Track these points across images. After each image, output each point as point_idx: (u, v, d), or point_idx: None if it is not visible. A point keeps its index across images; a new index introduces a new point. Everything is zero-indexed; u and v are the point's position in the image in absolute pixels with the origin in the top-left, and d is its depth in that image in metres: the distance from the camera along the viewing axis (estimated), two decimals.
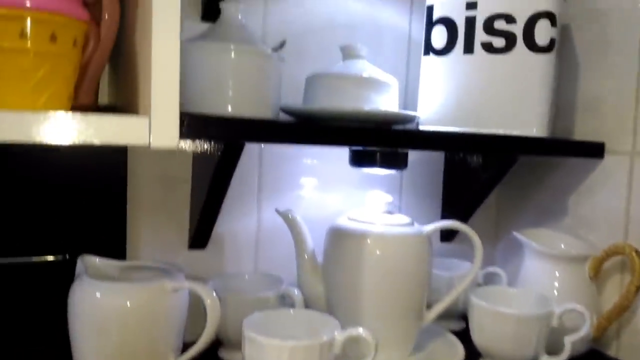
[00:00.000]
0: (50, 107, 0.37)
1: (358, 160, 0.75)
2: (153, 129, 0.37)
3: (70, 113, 0.35)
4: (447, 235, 0.95)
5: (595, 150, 0.80)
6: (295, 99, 0.74)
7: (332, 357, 0.56)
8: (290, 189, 0.84)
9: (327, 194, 0.85)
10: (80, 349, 0.57)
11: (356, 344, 0.60)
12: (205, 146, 0.66)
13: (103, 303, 0.55)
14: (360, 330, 0.58)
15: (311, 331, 0.58)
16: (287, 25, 0.81)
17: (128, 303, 0.56)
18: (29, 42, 0.35)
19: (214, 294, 0.59)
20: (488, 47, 0.71)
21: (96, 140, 0.36)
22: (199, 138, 0.56)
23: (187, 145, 0.73)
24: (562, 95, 0.86)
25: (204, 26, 0.70)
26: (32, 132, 0.34)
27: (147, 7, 0.38)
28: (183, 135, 0.53)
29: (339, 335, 0.57)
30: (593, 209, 0.83)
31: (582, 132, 0.84)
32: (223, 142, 0.60)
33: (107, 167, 0.68)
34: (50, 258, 0.65)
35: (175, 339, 0.60)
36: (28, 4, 0.35)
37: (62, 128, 0.35)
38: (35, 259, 0.64)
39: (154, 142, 0.37)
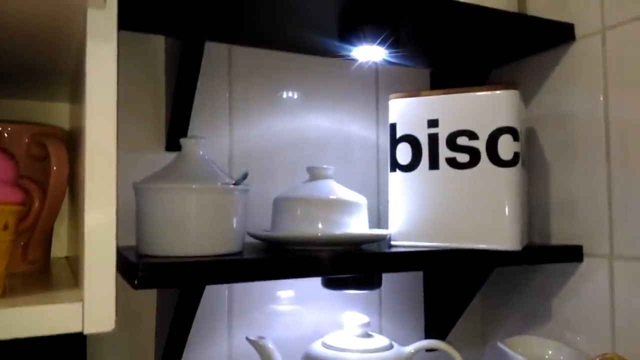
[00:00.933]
0: None
1: (331, 283, 0.73)
2: (86, 314, 0.35)
3: None
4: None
5: (573, 255, 0.79)
6: (264, 217, 0.73)
7: None
8: (263, 309, 0.81)
9: (301, 314, 0.83)
10: None
11: None
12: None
13: None
14: None
15: None
16: (254, 143, 0.81)
17: None
18: None
19: None
20: (452, 163, 0.71)
21: (25, 333, 0.34)
22: (155, 286, 0.54)
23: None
24: (535, 198, 0.85)
25: (169, 156, 0.71)
26: None
27: (83, 177, 0.37)
28: (138, 285, 0.52)
29: None
30: (577, 312, 0.81)
31: (559, 233, 0.83)
32: (181, 287, 0.58)
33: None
34: None
35: None
36: None
37: None
38: None
39: (87, 329, 0.35)
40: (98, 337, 0.69)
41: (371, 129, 0.90)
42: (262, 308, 0.81)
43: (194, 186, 0.59)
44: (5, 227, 0.37)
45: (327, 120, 0.87)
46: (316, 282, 0.76)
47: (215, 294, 0.77)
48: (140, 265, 0.52)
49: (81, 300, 0.35)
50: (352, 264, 0.63)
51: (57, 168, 0.50)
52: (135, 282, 0.51)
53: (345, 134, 0.88)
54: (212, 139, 0.77)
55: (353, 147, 0.89)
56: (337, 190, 0.71)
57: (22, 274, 0.50)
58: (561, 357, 0.78)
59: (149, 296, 0.73)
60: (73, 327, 0.35)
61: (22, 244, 0.50)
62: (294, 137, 0.84)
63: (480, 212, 0.70)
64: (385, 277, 0.77)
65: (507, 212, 0.69)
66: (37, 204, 0.47)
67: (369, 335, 0.72)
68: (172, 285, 0.56)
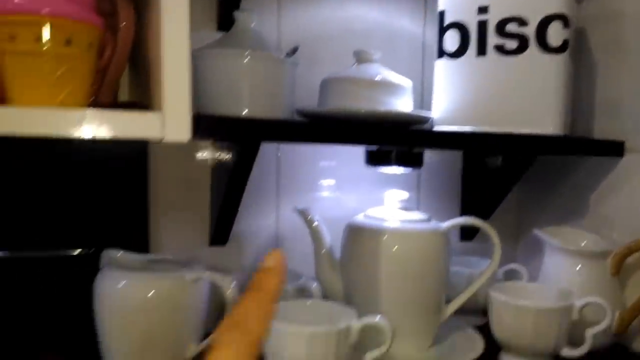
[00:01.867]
0: (68, 104, 0.41)
1: (373, 160, 0.76)
2: (166, 124, 0.40)
3: (88, 109, 0.38)
4: (467, 234, 0.95)
5: (614, 149, 0.80)
6: (310, 103, 0.76)
7: (349, 345, 0.58)
8: (308, 189, 0.86)
9: (344, 193, 0.87)
10: (106, 336, 0.60)
11: (374, 334, 0.61)
12: (221, 149, 0.69)
13: (125, 293, 0.59)
14: (377, 318, 0.59)
15: (328, 320, 0.60)
16: (301, 32, 0.84)
17: (149, 293, 0.58)
18: (46, 45, 0.39)
19: (233, 283, 0.61)
20: (500, 50, 0.72)
21: (112, 134, 0.39)
22: (214, 138, 0.59)
23: (203, 153, 0.77)
24: (581, 97, 0.86)
25: (220, 35, 0.74)
26: (52, 127, 0.38)
27: (158, 12, 0.41)
28: (198, 136, 0.56)
29: (356, 324, 0.58)
30: (614, 207, 0.83)
31: (602, 132, 0.84)
32: (237, 142, 0.63)
33: (129, 168, 0.72)
34: (77, 252, 0.69)
35: (196, 328, 0.62)
36: (44, 11, 0.38)
37: (81, 123, 0.38)
38: (62, 252, 0.68)
39: (167, 137, 0.40)
40: (160, 197, 0.76)
41: (418, 22, 0.90)
42: (308, 187, 0.86)
43: (247, 53, 0.63)
44: (91, 46, 0.42)
45: (375, 11, 0.88)
46: (360, 163, 0.79)
47: (264, 171, 0.82)
48: (201, 118, 0.56)
49: (161, 110, 0.40)
50: (396, 137, 0.66)
51: (126, 23, 0.54)
52: (196, 133, 0.56)
53: (391, 26, 0.89)
54: (261, 24, 0.80)
55: (399, 39, 0.90)
56: (383, 72, 0.73)
57: None
58: (594, 246, 0.80)
59: (205, 165, 0.78)
60: (155, 134, 0.40)
61: (95, 88, 0.55)
62: (340, 27, 0.86)
63: (525, 98, 0.71)
64: (426, 161, 0.80)
65: (551, 97, 0.70)
66: (109, 48, 0.52)
67: (408, 210, 0.76)
68: (229, 139, 0.60)
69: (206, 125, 0.56)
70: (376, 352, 0.59)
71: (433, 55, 0.79)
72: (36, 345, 0.70)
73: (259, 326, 0.25)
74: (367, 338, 0.61)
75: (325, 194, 0.87)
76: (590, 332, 0.69)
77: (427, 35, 0.91)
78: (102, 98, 0.54)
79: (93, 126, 0.38)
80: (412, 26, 0.90)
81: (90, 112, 0.38)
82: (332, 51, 0.85)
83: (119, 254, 0.65)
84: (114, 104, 0.58)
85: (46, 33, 0.39)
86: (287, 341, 0.56)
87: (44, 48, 0.39)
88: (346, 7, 0.86)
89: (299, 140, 0.63)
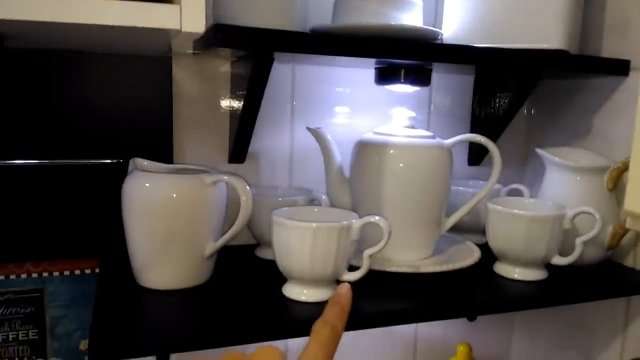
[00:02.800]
0: None
1: (382, 77, 0.80)
2: (183, 16, 0.44)
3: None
4: (475, 159, 0.99)
5: (619, 68, 0.82)
6: (325, 22, 0.79)
7: (351, 240, 0.63)
8: (321, 112, 0.90)
9: (357, 115, 0.91)
10: (132, 235, 0.66)
11: (376, 235, 0.66)
12: (239, 67, 0.72)
13: (150, 193, 0.64)
14: (376, 217, 0.64)
15: (333, 221, 0.65)
16: None
17: (172, 193, 0.64)
18: None
19: (247, 186, 0.67)
20: None
21: (134, 23, 0.43)
22: (231, 46, 0.62)
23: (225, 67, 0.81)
24: (589, 15, 0.87)
25: None
26: (79, 14, 0.42)
27: None
28: (217, 43, 0.60)
29: (357, 221, 0.63)
30: (619, 128, 0.85)
31: (611, 53, 0.85)
32: (253, 52, 0.66)
33: (154, 88, 0.78)
34: (107, 161, 0.75)
35: (215, 228, 0.68)
36: None
37: (105, 11, 0.42)
38: (94, 161, 0.74)
39: (184, 28, 0.44)
40: (183, 116, 0.81)
41: None
42: (322, 109, 0.90)
43: None
44: None
45: None
46: (369, 85, 0.83)
47: (279, 92, 0.86)
48: (218, 27, 0.60)
49: (179, 4, 0.44)
50: (406, 50, 0.69)
51: None
52: (215, 40, 0.60)
53: None
54: None
55: None
56: None
57: None
58: (591, 162, 0.82)
59: (224, 86, 0.83)
60: (173, 24, 0.44)
61: None
62: None
63: (532, 12, 0.73)
64: (436, 80, 0.83)
65: (556, 11, 0.72)
66: None
67: (414, 128, 0.79)
68: (244, 47, 0.64)
69: (223, 33, 0.60)
70: (375, 248, 0.64)
71: None
72: (70, 247, 0.77)
73: (341, 327, 0.35)
74: (369, 239, 0.66)
75: (338, 117, 0.91)
76: (580, 240, 0.73)
77: None
78: None
79: (117, 15, 0.43)
80: None
81: (114, 2, 0.43)
82: None
83: (146, 162, 0.70)
84: None
85: None
86: (294, 236, 0.61)
87: None
88: None
89: (309, 51, 0.66)
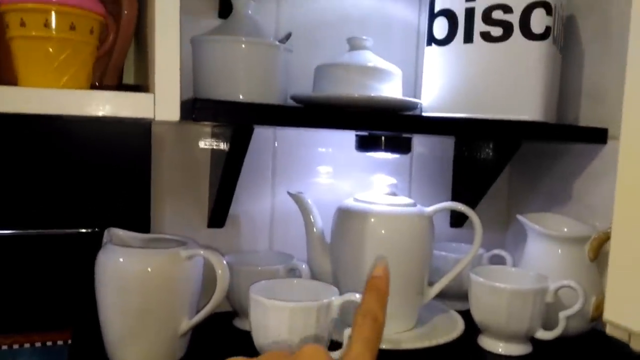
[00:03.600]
0: (71, 86, 0.44)
1: (363, 145, 0.80)
2: (157, 105, 0.43)
3: (88, 90, 0.42)
4: (457, 221, 0.98)
5: (598, 136, 0.82)
6: (307, 88, 0.79)
7: (330, 319, 0.61)
8: (303, 174, 0.89)
9: (338, 179, 0.91)
10: (105, 309, 0.64)
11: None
12: (218, 134, 0.72)
13: (125, 267, 0.62)
14: (357, 295, 0.62)
15: (313, 297, 0.63)
16: (299, 19, 0.86)
17: (147, 268, 0.62)
18: (52, 30, 0.42)
19: (224, 262, 0.65)
20: (486, 37, 0.75)
21: (108, 114, 0.42)
22: (210, 120, 0.62)
23: (203, 139, 0.80)
24: (568, 84, 0.88)
25: (220, 23, 0.77)
26: (56, 106, 0.41)
27: (152, 3, 0.44)
28: (195, 118, 0.60)
29: (336, 300, 0.62)
30: (597, 194, 0.85)
31: (588, 120, 0.86)
32: (232, 126, 0.66)
33: (133, 152, 0.77)
34: (82, 230, 0.73)
35: (191, 303, 0.66)
36: None
37: (80, 103, 0.42)
38: (68, 231, 0.72)
39: (158, 117, 0.43)
40: (160, 181, 0.79)
41: (414, 9, 0.93)
42: (303, 172, 0.89)
43: (243, 39, 0.66)
44: (92, 32, 0.45)
45: None
46: (351, 149, 0.83)
47: (261, 156, 0.86)
48: (197, 102, 0.60)
49: (153, 93, 0.43)
50: (386, 122, 0.69)
51: (128, 11, 0.58)
52: (194, 116, 0.59)
53: (387, 13, 0.91)
54: (259, 12, 0.83)
55: (394, 26, 0.92)
56: (374, 59, 0.76)
57: None
58: (572, 231, 0.82)
59: (205, 155, 0.82)
60: (146, 113, 0.43)
61: (99, 74, 0.59)
62: (336, 14, 0.89)
63: (510, 85, 0.74)
64: (416, 147, 0.83)
65: (534, 84, 0.73)
66: (112, 34, 0.55)
67: (395, 195, 0.79)
68: (225, 121, 0.63)
69: (202, 108, 0.60)
70: None
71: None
72: (41, 315, 0.75)
73: (383, 316, 0.33)
74: (350, 315, 0.64)
75: (319, 179, 0.90)
76: (563, 314, 0.72)
77: (422, 22, 0.93)
78: (107, 81, 0.58)
79: (91, 106, 0.42)
80: (407, 13, 0.93)
81: (88, 93, 0.42)
82: (329, 38, 0.88)
83: (121, 232, 0.68)
84: (119, 87, 0.62)
85: (53, 19, 0.42)
86: (271, 315, 0.60)
87: (51, 33, 0.43)
88: None
89: (289, 124, 0.66)
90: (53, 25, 0.42)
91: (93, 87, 0.56)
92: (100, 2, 0.46)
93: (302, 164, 0.89)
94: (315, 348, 0.32)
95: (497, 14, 0.74)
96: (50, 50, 0.43)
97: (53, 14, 0.42)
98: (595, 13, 0.85)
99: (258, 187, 0.87)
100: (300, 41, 0.84)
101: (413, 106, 0.76)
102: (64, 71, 0.43)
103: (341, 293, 0.65)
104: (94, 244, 0.68)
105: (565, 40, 0.83)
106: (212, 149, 0.82)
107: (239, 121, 0.64)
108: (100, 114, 0.42)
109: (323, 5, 0.88)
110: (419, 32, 0.94)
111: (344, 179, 0.91)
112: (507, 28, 0.74)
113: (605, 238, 0.78)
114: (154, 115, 0.43)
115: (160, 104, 0.43)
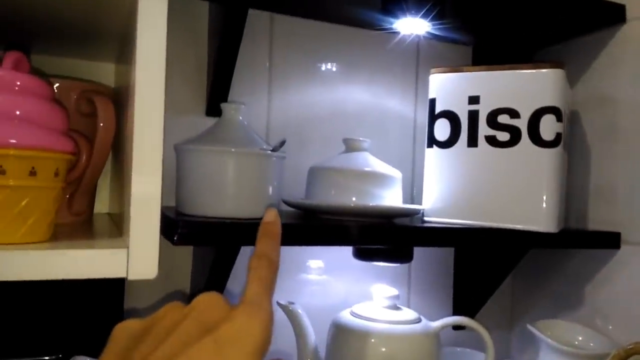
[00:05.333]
0: (31, 237, 0.37)
1: (362, 254, 0.73)
2: (131, 260, 0.37)
3: (46, 250, 0.35)
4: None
5: (610, 241, 0.77)
6: (298, 186, 0.74)
7: None
8: (294, 277, 0.82)
9: (331, 283, 0.84)
10: None
11: None
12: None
13: None
14: None
15: None
16: (292, 114, 0.82)
17: None
18: (8, 178, 0.36)
19: None
20: (492, 141, 0.70)
21: (72, 274, 0.36)
22: (193, 244, 0.55)
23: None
24: (574, 182, 0.84)
25: (209, 121, 0.72)
26: (8, 270, 0.34)
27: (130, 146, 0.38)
28: (177, 241, 0.53)
29: None
30: (611, 300, 0.79)
31: (596, 219, 0.82)
32: (217, 246, 0.59)
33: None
34: (45, 358, 0.64)
35: None
36: (10, 142, 0.36)
37: (37, 264, 0.35)
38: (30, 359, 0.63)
39: (131, 275, 0.37)
40: (135, 290, 0.72)
41: (409, 104, 0.89)
42: (293, 276, 0.82)
43: (232, 150, 0.60)
44: (56, 174, 0.39)
45: (365, 93, 0.87)
46: (347, 252, 0.76)
47: (247, 257, 0.79)
48: (179, 223, 0.53)
49: (126, 247, 0.36)
50: (384, 236, 0.63)
51: (104, 124, 0.52)
52: (175, 239, 0.53)
53: (383, 109, 0.88)
54: (251, 106, 0.78)
55: (390, 122, 0.88)
56: (373, 162, 0.71)
57: (67, 225, 0.52)
58: (591, 344, 0.77)
59: (186, 253, 0.75)
60: (118, 272, 0.36)
61: (68, 195, 0.52)
62: (331, 109, 0.85)
63: (518, 193, 0.69)
64: (416, 252, 0.77)
65: (545, 194, 0.68)
66: (84, 157, 0.49)
67: (397, 308, 0.72)
68: (209, 244, 0.57)
69: (184, 230, 0.53)
70: None
71: (424, 137, 0.77)
72: None
73: (277, 257, 0.35)
74: None
75: (311, 283, 0.83)
76: None
77: (418, 117, 0.90)
78: (76, 206, 0.51)
79: (53, 268, 0.35)
80: (403, 109, 0.89)
81: (48, 253, 0.35)
82: (323, 133, 0.83)
83: None
84: (88, 216, 0.55)
85: (10, 165, 0.36)
86: None
87: (7, 181, 0.36)
88: (337, 89, 0.85)
89: (282, 244, 0.59)
90: (9, 171, 0.36)
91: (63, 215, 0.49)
92: (67, 135, 0.40)
93: (293, 266, 0.83)
94: (210, 295, 0.31)
95: (503, 119, 0.70)
96: (6, 199, 0.36)
97: (11, 158, 0.36)
98: (601, 110, 0.81)
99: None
100: (292, 138, 0.80)
101: (414, 213, 0.71)
102: (23, 221, 0.37)
103: None
104: None
105: (568, 139, 0.79)
106: (194, 257, 0.74)
107: (224, 242, 0.57)
108: (61, 276, 0.35)
109: (316, 100, 0.84)
110: (416, 127, 0.89)
111: (338, 283, 0.84)
112: (515, 133, 0.69)
113: (625, 355, 0.71)
114: (127, 274, 0.37)
115: (135, 259, 0.37)
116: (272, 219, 0.36)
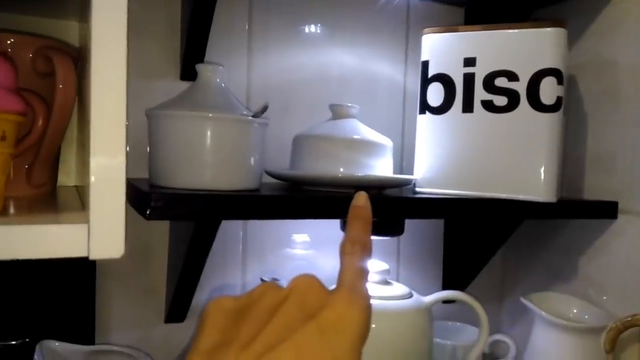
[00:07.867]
0: None
1: None
2: (93, 238, 0.32)
3: None
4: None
5: (607, 211, 0.74)
6: (282, 156, 0.69)
7: None
8: (278, 250, 0.78)
9: (317, 258, 0.79)
10: None
11: None
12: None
13: None
14: None
15: None
16: (274, 79, 0.76)
17: None
18: None
19: None
20: (489, 106, 0.66)
21: (26, 254, 0.31)
22: (168, 218, 0.51)
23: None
24: (570, 150, 0.80)
25: (184, 85, 0.66)
26: None
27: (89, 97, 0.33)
28: (150, 216, 0.48)
29: None
30: (605, 270, 0.77)
31: (592, 188, 0.78)
32: (196, 221, 0.55)
33: None
34: (12, 343, 0.59)
35: None
36: None
37: None
38: None
39: (93, 254, 0.32)
40: (107, 268, 0.67)
41: (399, 68, 0.84)
42: (277, 250, 0.78)
43: (210, 115, 0.54)
44: (3, 138, 0.33)
45: (352, 56, 0.81)
46: (334, 225, 0.72)
47: (230, 233, 0.74)
48: (152, 195, 0.48)
49: (87, 222, 0.31)
50: (374, 208, 0.59)
51: (64, 85, 0.46)
52: (147, 213, 0.48)
53: (371, 73, 0.82)
54: (229, 70, 0.72)
55: (378, 86, 0.83)
56: (361, 129, 0.67)
57: (26, 198, 0.47)
58: (586, 316, 0.75)
59: (162, 228, 0.70)
60: (77, 251, 0.31)
61: (26, 166, 0.46)
62: (315, 74, 0.79)
63: (516, 161, 0.65)
64: (406, 224, 0.73)
65: (544, 162, 0.64)
66: (40, 121, 0.43)
67: (387, 283, 0.69)
68: (186, 219, 0.53)
69: (158, 203, 0.48)
70: None
71: (415, 103, 0.73)
72: None
73: (370, 242, 0.33)
74: None
75: (297, 257, 0.79)
76: None
77: (408, 81, 0.85)
78: (36, 178, 0.46)
79: (1, 247, 0.30)
80: (392, 73, 0.84)
81: None
82: (307, 99, 0.78)
83: (57, 346, 0.56)
84: (50, 189, 0.50)
85: None
86: None
87: None
88: (322, 52, 0.79)
89: (266, 217, 0.55)
90: None
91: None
92: (18, 93, 0.35)
93: (277, 238, 0.78)
94: (308, 278, 0.31)
95: (501, 82, 0.65)
96: None
97: None
98: (600, 74, 0.77)
99: (226, 269, 0.75)
100: (275, 104, 0.74)
101: (407, 183, 0.67)
102: None
103: None
104: (26, 357, 0.55)
105: (567, 105, 0.76)
106: (172, 232, 0.70)
107: (203, 216, 0.52)
108: (10, 257, 0.30)
109: (300, 63, 0.78)
110: (406, 91, 0.85)
111: (324, 256, 0.80)
112: (513, 97, 0.65)
113: (623, 328, 0.69)
114: (88, 253, 0.32)
115: (98, 238, 0.32)
116: (362, 203, 0.35)
